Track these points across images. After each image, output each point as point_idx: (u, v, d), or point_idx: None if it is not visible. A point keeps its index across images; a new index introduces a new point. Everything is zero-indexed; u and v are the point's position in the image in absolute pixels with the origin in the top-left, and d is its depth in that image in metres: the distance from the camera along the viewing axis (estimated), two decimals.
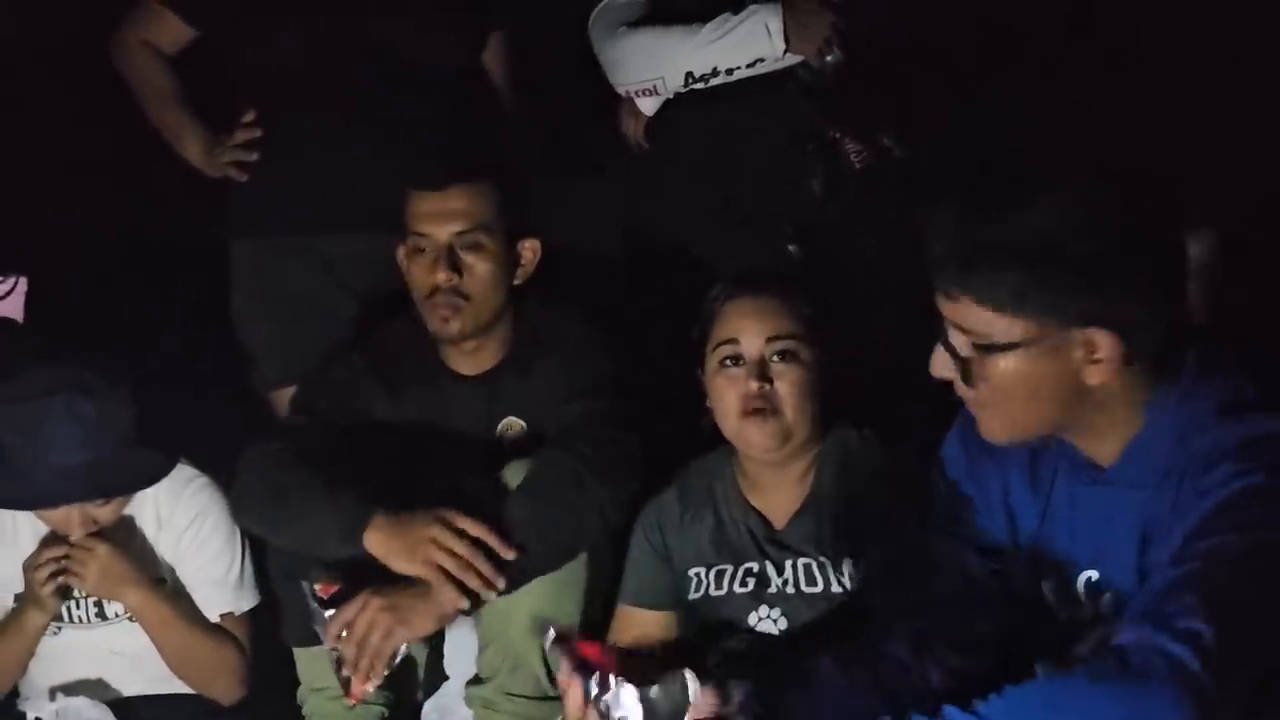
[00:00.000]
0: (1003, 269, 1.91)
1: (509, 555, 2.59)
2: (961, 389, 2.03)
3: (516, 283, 2.92)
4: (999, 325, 1.93)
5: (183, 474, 3.02)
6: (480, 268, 2.85)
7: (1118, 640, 1.83)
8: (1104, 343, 1.93)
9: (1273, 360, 2.02)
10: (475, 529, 2.59)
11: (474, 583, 2.57)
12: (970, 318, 1.95)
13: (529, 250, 2.92)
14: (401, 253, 2.93)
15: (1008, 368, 1.95)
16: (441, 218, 2.86)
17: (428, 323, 2.89)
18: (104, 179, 3.89)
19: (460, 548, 2.57)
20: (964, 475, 2.23)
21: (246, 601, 3.01)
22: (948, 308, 1.98)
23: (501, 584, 2.59)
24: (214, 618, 3.02)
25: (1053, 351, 1.94)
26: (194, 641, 2.99)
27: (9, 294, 4.25)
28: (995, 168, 2.00)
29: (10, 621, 2.98)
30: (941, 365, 2.02)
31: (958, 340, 1.98)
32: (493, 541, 2.58)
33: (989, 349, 1.95)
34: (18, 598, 3.01)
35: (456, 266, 2.84)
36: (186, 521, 3.00)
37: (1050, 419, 2.00)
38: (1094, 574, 2.06)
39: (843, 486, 2.63)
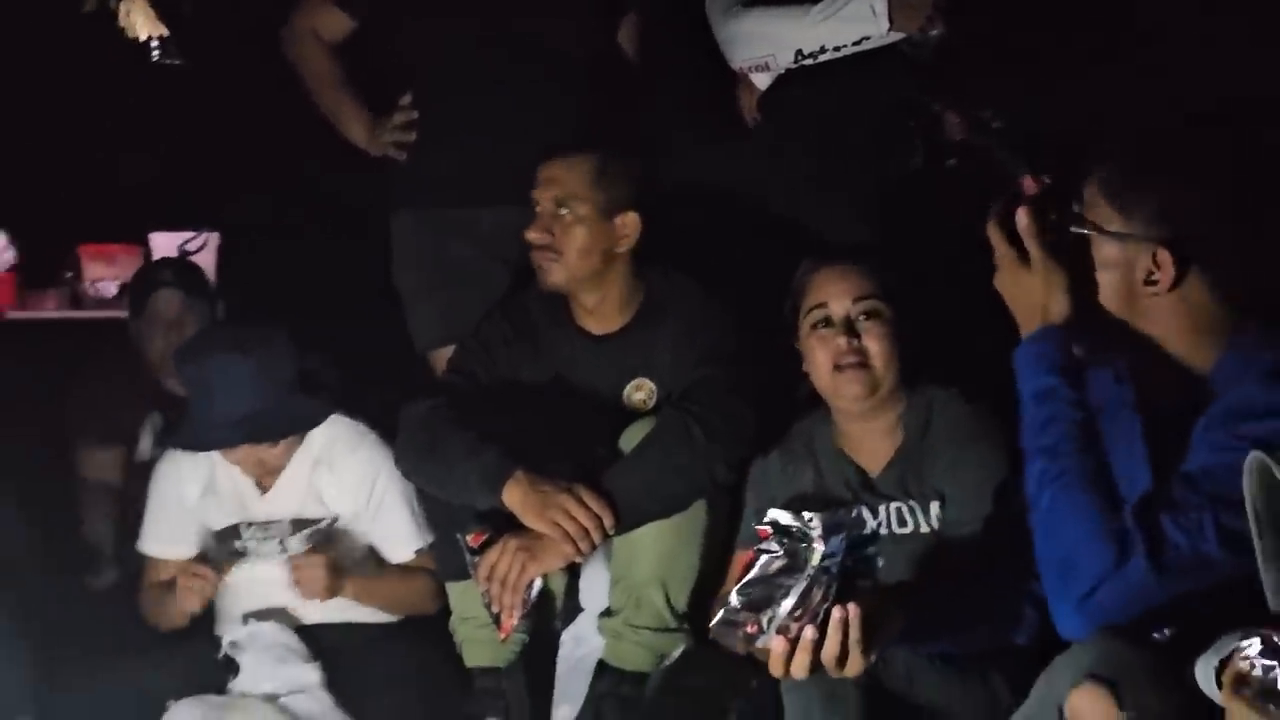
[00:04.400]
0: (1129, 170, 2.22)
1: (613, 531, 2.93)
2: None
3: (618, 250, 3.17)
4: (1107, 215, 2.21)
5: (353, 429, 3.34)
6: (568, 229, 3.14)
7: None
8: (1165, 261, 2.18)
9: None
10: (597, 505, 2.91)
11: (585, 546, 2.92)
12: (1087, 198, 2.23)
13: (626, 223, 3.17)
14: None
15: (1099, 255, 2.22)
16: (544, 184, 3.18)
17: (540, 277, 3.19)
18: (286, 152, 4.22)
19: (582, 516, 2.90)
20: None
21: (430, 536, 3.29)
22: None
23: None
24: (407, 557, 3.36)
25: (1132, 259, 2.21)
26: (401, 592, 3.38)
27: (202, 248, 4.64)
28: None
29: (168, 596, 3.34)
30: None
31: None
32: (607, 519, 2.91)
33: (1088, 229, 2.21)
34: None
35: (548, 227, 3.15)
36: (361, 475, 3.32)
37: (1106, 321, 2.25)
38: None
39: (928, 437, 2.87)
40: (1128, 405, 2.30)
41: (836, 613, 2.22)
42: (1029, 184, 3.19)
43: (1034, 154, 3.19)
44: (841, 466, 2.93)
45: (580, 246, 3.15)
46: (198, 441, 3.30)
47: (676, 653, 3.04)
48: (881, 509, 2.87)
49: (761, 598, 2.25)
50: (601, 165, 3.16)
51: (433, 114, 3.58)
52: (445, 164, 3.54)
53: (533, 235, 3.16)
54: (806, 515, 2.29)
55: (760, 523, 2.35)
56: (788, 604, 2.23)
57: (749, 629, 2.25)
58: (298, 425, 3.30)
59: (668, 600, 3.01)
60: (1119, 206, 2.22)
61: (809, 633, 2.22)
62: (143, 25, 4.65)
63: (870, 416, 2.90)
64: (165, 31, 4.64)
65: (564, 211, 3.15)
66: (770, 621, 2.23)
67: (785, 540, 2.29)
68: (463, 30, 3.49)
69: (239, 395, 3.19)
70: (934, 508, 2.84)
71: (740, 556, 3.01)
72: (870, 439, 2.92)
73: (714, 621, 2.28)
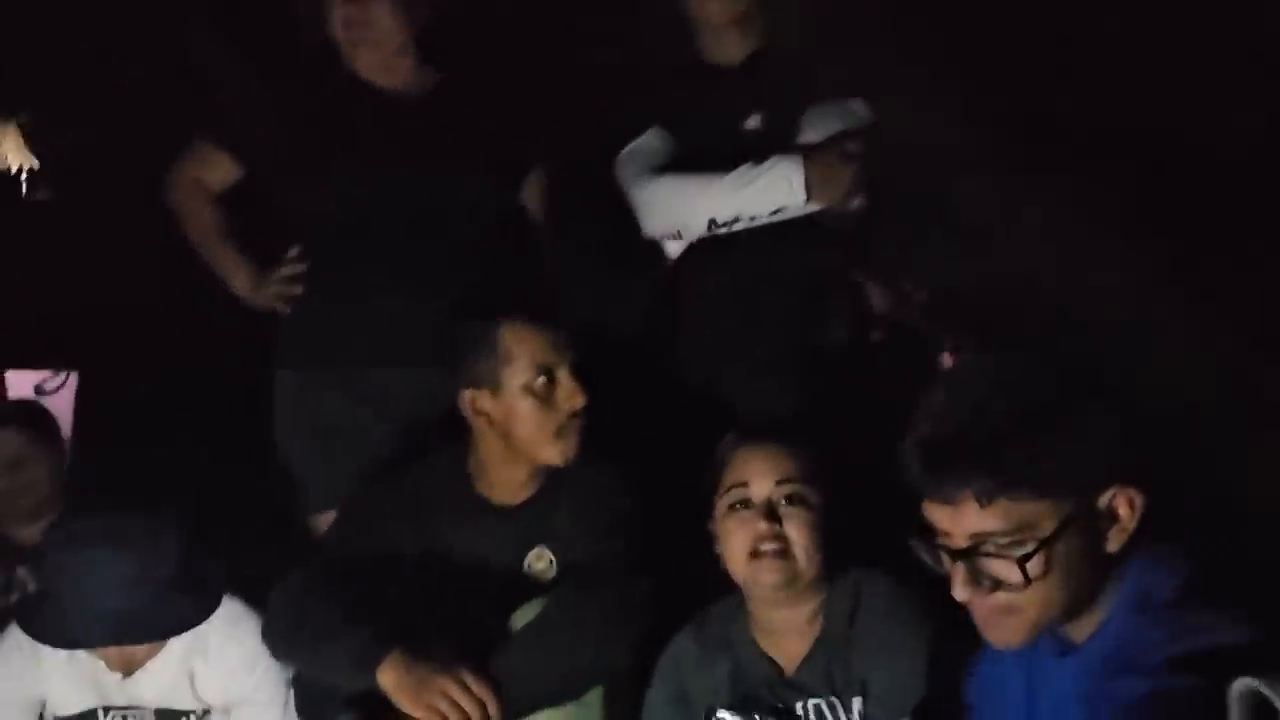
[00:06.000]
0: (1030, 451, 1.92)
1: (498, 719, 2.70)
2: (982, 604, 2.00)
3: None
4: (1038, 514, 1.93)
5: (233, 611, 3.07)
6: None
7: None
8: (1124, 502, 1.96)
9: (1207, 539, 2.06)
10: (481, 690, 2.69)
11: None
12: (1008, 518, 1.94)
13: None
14: None
15: (1058, 554, 1.94)
16: None
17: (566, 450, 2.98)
18: (153, 303, 4.08)
19: (465, 702, 2.67)
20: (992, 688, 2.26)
21: None
22: (975, 520, 1.95)
23: None
24: None
25: (1087, 525, 1.96)
26: None
27: (60, 387, 4.46)
28: (963, 363, 2.07)
29: None
30: (967, 586, 1.98)
31: (997, 550, 1.95)
32: (492, 707, 2.69)
33: (1038, 545, 1.93)
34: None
35: None
36: (238, 663, 3.06)
37: (1074, 601, 2.00)
38: None
39: (855, 626, 2.68)
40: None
41: None
42: (947, 359, 3.16)
43: (958, 327, 3.13)
44: (758, 661, 2.73)
45: None
46: (59, 638, 3.03)
47: None
48: (799, 706, 2.67)
49: None
50: None
51: (321, 268, 3.43)
52: (333, 321, 3.39)
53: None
54: (756, 718, 2.11)
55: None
56: None
57: None
58: (173, 628, 3.02)
59: None
60: (1037, 491, 1.95)
61: None
62: (14, 157, 4.56)
63: (788, 605, 2.71)
64: (36, 164, 4.55)
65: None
66: None
67: None
68: (357, 183, 3.36)
69: (111, 592, 2.92)
70: (856, 704, 2.65)
71: None
72: (787, 631, 2.73)
73: None
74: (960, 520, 1.96)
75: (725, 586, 2.79)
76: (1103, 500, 1.97)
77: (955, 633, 2.44)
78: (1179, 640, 1.91)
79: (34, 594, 3.42)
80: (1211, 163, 3.33)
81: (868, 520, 2.73)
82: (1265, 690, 1.73)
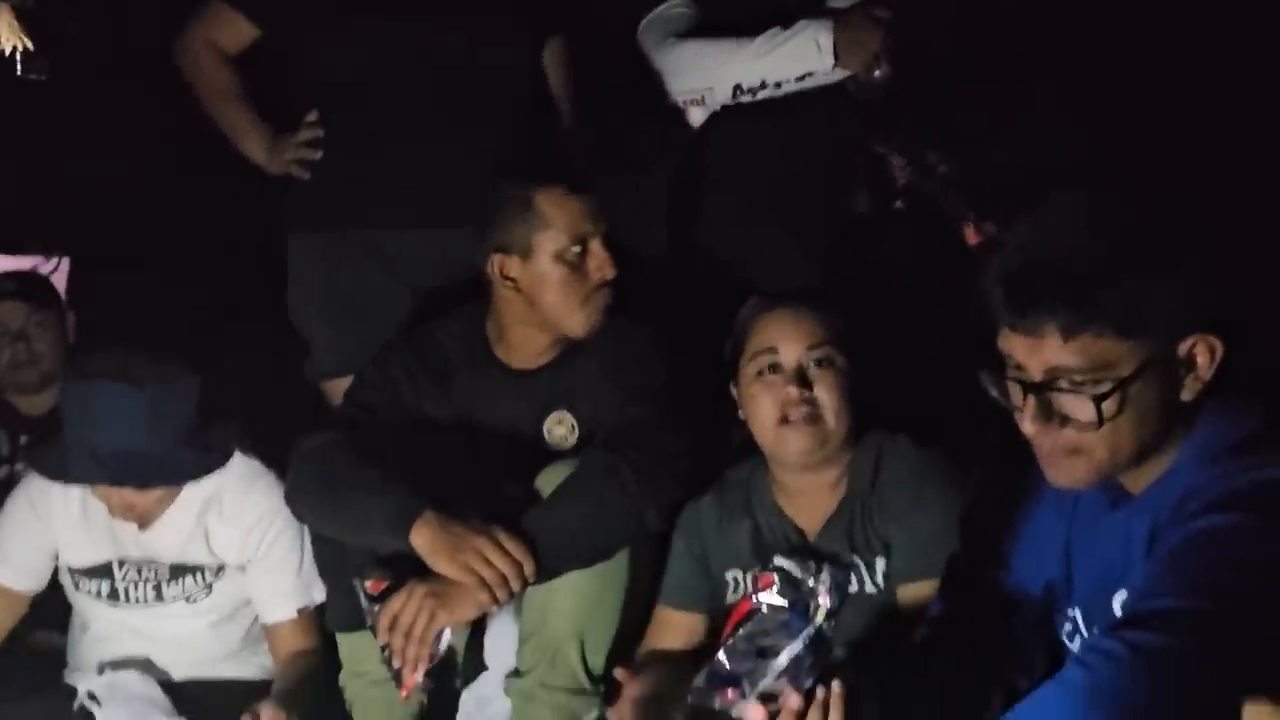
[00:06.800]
0: (1119, 289, 1.89)
1: (533, 578, 2.67)
2: (1048, 441, 1.97)
3: None
4: (1119, 354, 1.91)
5: (250, 469, 3.04)
6: None
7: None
8: (1204, 349, 1.94)
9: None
10: (516, 549, 2.65)
11: (502, 595, 2.65)
12: (1087, 355, 1.91)
13: None
14: None
15: (1133, 396, 1.92)
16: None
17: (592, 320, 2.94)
18: (163, 169, 4.01)
19: (500, 562, 2.64)
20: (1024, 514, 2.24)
21: (318, 594, 3.02)
22: (1055, 354, 1.92)
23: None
24: (290, 614, 3.05)
25: (1165, 371, 1.94)
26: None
27: (51, 274, 4.38)
28: (1058, 197, 2.00)
29: None
30: (1036, 421, 1.96)
31: (1071, 387, 1.93)
32: (528, 566, 2.66)
33: (1115, 385, 1.91)
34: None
35: None
36: (254, 520, 3.03)
37: (1142, 448, 1.97)
38: (1124, 593, 2.02)
39: (877, 488, 2.67)
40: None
41: (819, 691, 2.01)
42: (970, 233, 3.12)
43: (980, 199, 3.10)
44: (780, 523, 2.73)
45: None
46: (56, 470, 2.99)
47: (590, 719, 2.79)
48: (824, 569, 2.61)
49: (747, 655, 2.05)
50: None
51: (340, 131, 3.35)
52: (350, 182, 3.31)
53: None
54: (814, 565, 2.07)
55: (766, 568, 2.18)
56: (778, 665, 2.03)
57: (728, 695, 2.03)
58: (172, 477, 2.97)
59: (584, 659, 2.76)
60: (1121, 331, 1.91)
61: (793, 701, 2.00)
62: (7, 37, 4.45)
63: (813, 470, 2.70)
64: (30, 45, 4.45)
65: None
66: (754, 685, 2.02)
67: (791, 592, 2.08)
68: (376, 43, 3.27)
69: (118, 430, 2.86)
70: (879, 564, 2.63)
71: (661, 613, 2.83)
72: (810, 495, 2.72)
73: (696, 683, 2.06)
74: (1039, 353, 1.93)
75: (744, 450, 2.79)
76: (1183, 347, 1.94)
77: (982, 493, 2.44)
78: (1230, 478, 1.90)
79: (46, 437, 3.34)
80: (1254, 37, 3.28)
81: (887, 386, 2.73)
82: None
